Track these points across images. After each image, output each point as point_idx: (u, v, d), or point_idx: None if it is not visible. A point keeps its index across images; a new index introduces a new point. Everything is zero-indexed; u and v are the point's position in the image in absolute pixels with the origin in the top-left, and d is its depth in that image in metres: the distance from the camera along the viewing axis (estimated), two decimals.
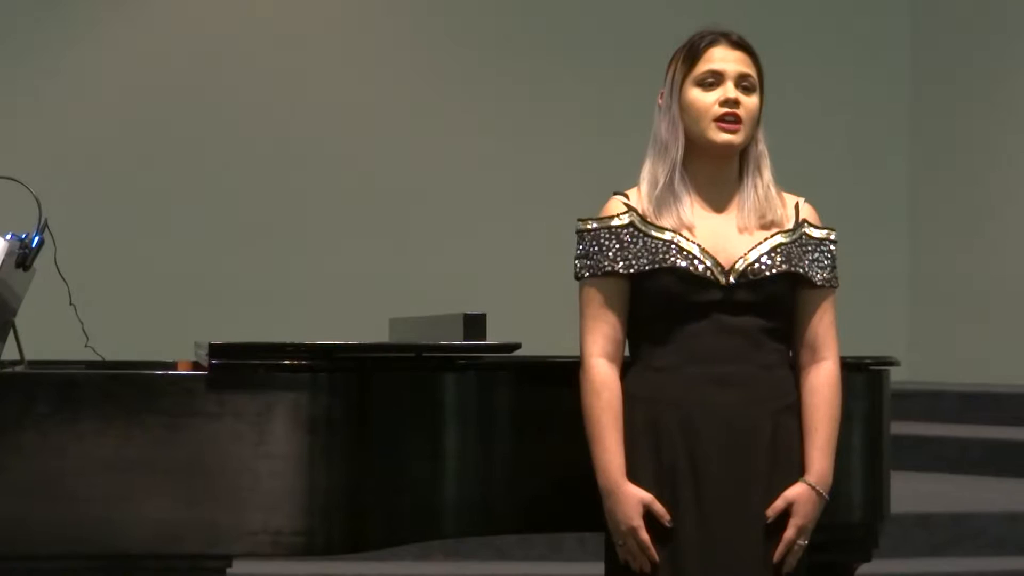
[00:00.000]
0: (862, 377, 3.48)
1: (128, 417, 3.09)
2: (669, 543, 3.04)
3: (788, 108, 7.82)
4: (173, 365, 3.85)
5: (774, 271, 3.08)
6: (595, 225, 3.13)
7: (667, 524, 3.03)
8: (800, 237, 3.14)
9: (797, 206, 3.18)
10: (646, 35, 8.86)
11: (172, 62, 9.34)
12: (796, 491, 3.07)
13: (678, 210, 3.09)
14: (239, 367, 3.14)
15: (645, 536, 3.03)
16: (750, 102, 3.10)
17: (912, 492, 6.34)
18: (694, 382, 3.05)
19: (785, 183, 3.19)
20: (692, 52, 3.11)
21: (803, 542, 3.08)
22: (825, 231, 3.18)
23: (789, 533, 3.06)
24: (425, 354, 3.34)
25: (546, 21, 9.72)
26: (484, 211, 9.57)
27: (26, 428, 3.07)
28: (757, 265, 3.08)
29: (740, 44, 3.12)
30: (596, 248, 3.10)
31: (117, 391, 3.10)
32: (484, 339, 3.37)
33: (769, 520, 3.06)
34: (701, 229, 3.09)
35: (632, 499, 3.04)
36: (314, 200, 9.44)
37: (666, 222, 3.09)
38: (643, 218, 3.10)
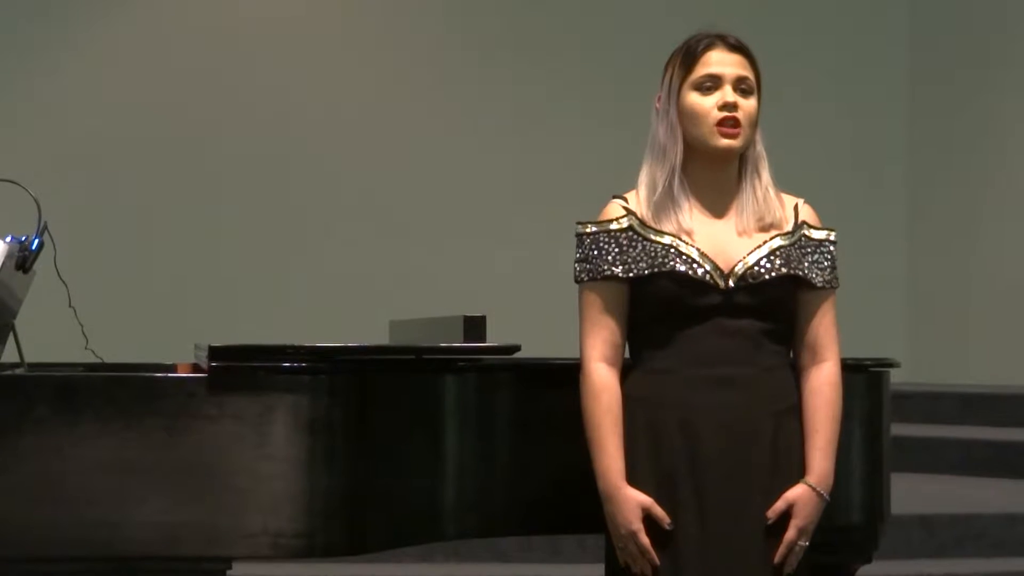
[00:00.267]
0: (862, 378, 3.48)
1: (128, 419, 3.09)
2: (670, 545, 3.04)
3: (786, 109, 7.81)
4: (173, 367, 3.85)
5: (773, 274, 3.08)
6: (594, 229, 3.12)
7: (667, 527, 3.03)
8: (800, 239, 3.13)
9: (796, 207, 3.17)
10: (647, 36, 8.84)
11: (172, 64, 9.34)
12: (797, 492, 3.07)
13: (677, 215, 3.09)
14: (239, 369, 3.14)
15: (645, 540, 3.03)
16: (748, 105, 3.10)
17: (912, 493, 6.34)
18: (694, 384, 3.05)
19: (784, 184, 3.19)
20: (689, 55, 3.11)
21: (804, 543, 3.08)
22: (825, 232, 3.18)
23: (790, 534, 3.06)
24: (425, 356, 3.35)
25: (547, 22, 9.72)
26: (484, 213, 9.57)
27: (26, 430, 3.07)
28: (756, 268, 3.08)
29: (737, 47, 3.12)
30: (595, 252, 3.10)
31: (117, 393, 3.10)
32: (484, 341, 3.37)
33: (770, 521, 3.06)
34: (700, 233, 3.09)
35: (631, 503, 3.04)
36: (314, 202, 9.44)
37: (665, 227, 3.09)
38: (642, 222, 3.10)
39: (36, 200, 3.55)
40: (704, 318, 3.06)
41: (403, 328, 4.22)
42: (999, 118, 9.44)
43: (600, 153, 9.13)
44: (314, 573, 4.93)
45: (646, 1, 9.66)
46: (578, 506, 3.19)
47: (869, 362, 3.52)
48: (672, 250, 3.07)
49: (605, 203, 3.17)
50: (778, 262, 3.09)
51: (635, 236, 3.10)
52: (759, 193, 3.13)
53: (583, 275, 3.12)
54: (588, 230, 3.13)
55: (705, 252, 3.07)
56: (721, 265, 3.07)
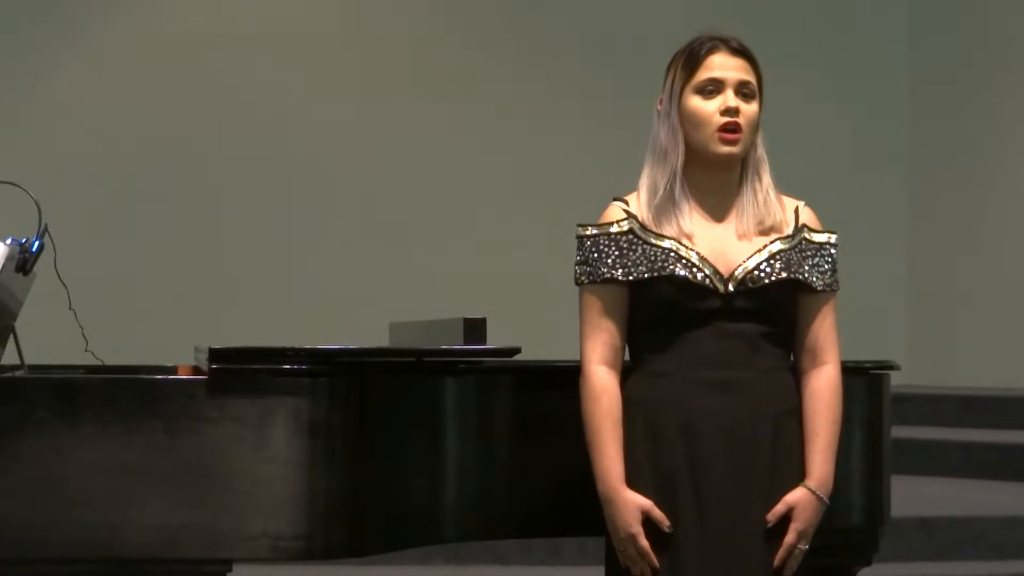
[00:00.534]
0: (862, 381, 3.48)
1: (128, 421, 3.08)
2: (669, 548, 3.04)
3: (786, 109, 7.81)
4: (173, 370, 3.85)
5: (773, 278, 3.08)
6: (594, 231, 3.12)
7: (667, 530, 3.03)
8: (800, 242, 3.13)
9: (797, 210, 3.17)
10: (647, 37, 8.85)
11: (172, 65, 9.34)
12: (797, 495, 3.07)
13: (678, 219, 3.09)
14: (239, 372, 3.14)
15: (644, 543, 3.03)
16: (750, 109, 3.10)
17: (912, 496, 6.34)
18: (694, 387, 3.05)
19: (784, 185, 3.18)
20: (691, 59, 3.10)
21: (804, 547, 3.07)
22: (826, 235, 3.17)
23: (790, 538, 3.06)
24: (425, 358, 3.34)
25: (547, 23, 9.72)
26: (484, 215, 9.57)
27: (26, 433, 3.07)
28: (756, 273, 3.08)
29: (740, 50, 3.11)
30: (595, 255, 3.10)
31: (117, 395, 3.10)
32: (484, 343, 3.37)
33: (770, 525, 3.05)
34: (700, 237, 3.09)
35: (631, 506, 3.04)
36: (314, 204, 9.44)
37: (666, 230, 3.09)
38: (643, 225, 3.10)
39: (36, 202, 3.55)
40: (704, 322, 3.05)
41: (403, 330, 4.22)
42: (999, 118, 9.44)
43: (600, 154, 9.13)
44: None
45: (646, 1, 9.66)
46: (578, 508, 3.18)
47: (869, 365, 3.51)
48: (672, 254, 3.07)
49: (605, 205, 3.16)
50: (778, 266, 3.09)
51: (635, 239, 3.09)
52: (759, 196, 3.12)
53: (583, 278, 3.12)
54: (588, 232, 3.13)
55: (705, 256, 3.07)
56: (721, 269, 3.07)
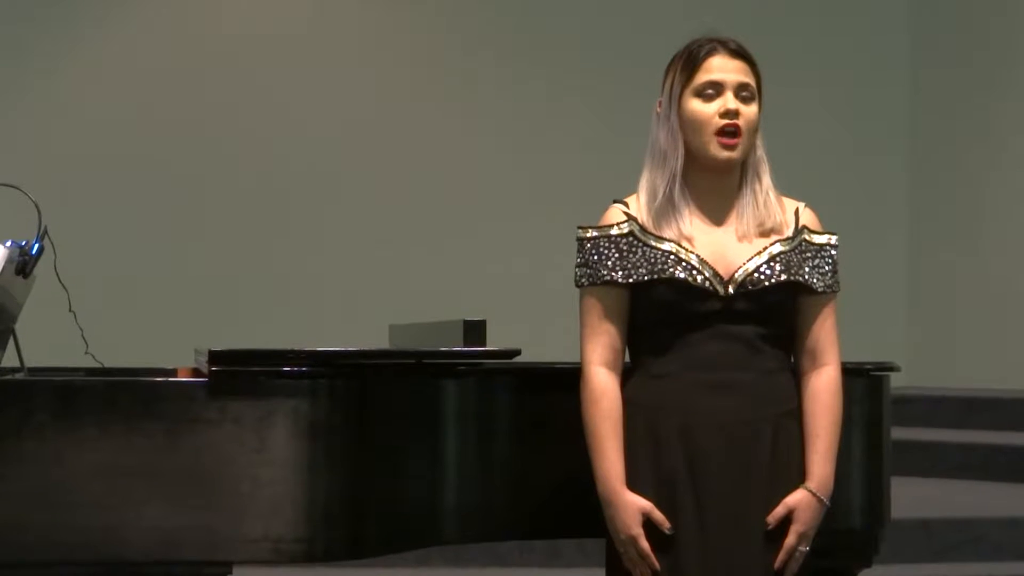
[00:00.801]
0: (862, 382, 3.48)
1: (128, 424, 3.09)
2: (670, 550, 3.04)
3: (787, 110, 7.81)
4: (173, 372, 3.85)
5: (773, 280, 3.08)
6: (595, 233, 3.12)
7: (667, 532, 3.03)
8: (800, 244, 3.13)
9: (797, 212, 3.17)
10: (647, 37, 8.84)
11: (172, 68, 9.33)
12: (797, 497, 3.07)
13: (677, 222, 3.09)
14: (239, 374, 3.14)
15: (645, 545, 3.03)
16: (749, 112, 3.10)
17: (913, 497, 6.33)
18: (694, 389, 3.05)
19: (783, 185, 3.18)
20: (691, 61, 3.10)
21: (804, 549, 3.08)
22: (826, 236, 3.17)
23: (790, 540, 3.06)
24: (425, 360, 3.34)
25: (547, 25, 9.71)
26: (484, 217, 9.56)
27: (26, 435, 3.07)
28: (756, 275, 3.08)
29: (739, 53, 3.11)
30: (596, 257, 3.10)
31: (117, 398, 3.10)
32: (484, 345, 3.37)
33: (770, 527, 3.06)
34: (700, 239, 3.09)
35: (631, 507, 3.04)
36: (314, 206, 9.43)
37: (666, 233, 3.09)
38: (643, 228, 3.10)
39: (36, 205, 3.55)
40: (704, 324, 3.05)
41: (403, 332, 4.22)
42: (1000, 118, 9.43)
43: (601, 156, 9.12)
44: None
45: (647, 1, 9.66)
46: (578, 510, 3.18)
47: (869, 366, 3.51)
48: (672, 257, 3.07)
49: (606, 208, 3.16)
50: (778, 268, 3.09)
51: (635, 242, 3.09)
52: (759, 198, 3.12)
53: (583, 280, 3.12)
54: (589, 235, 3.13)
55: (705, 259, 3.07)
56: (721, 271, 3.07)
